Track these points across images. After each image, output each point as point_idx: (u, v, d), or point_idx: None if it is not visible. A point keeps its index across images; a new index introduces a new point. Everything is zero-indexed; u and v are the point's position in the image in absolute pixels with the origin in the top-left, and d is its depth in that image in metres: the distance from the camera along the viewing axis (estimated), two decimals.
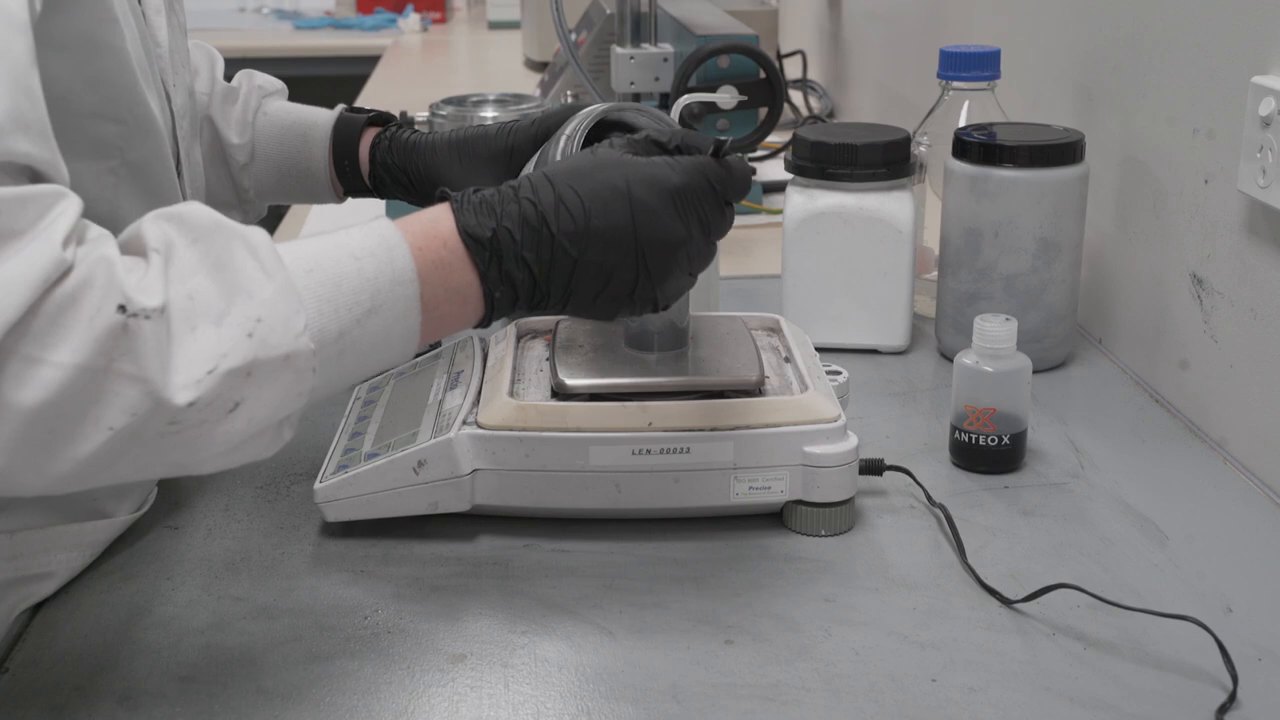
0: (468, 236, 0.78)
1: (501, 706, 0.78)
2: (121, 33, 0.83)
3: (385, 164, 1.13)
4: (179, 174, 0.95)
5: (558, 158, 0.94)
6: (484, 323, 0.81)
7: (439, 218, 0.79)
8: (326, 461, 0.97)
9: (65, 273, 0.64)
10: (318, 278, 0.72)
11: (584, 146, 0.94)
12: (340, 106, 1.18)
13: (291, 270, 0.71)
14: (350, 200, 1.20)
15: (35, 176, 0.68)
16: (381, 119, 1.17)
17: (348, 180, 1.16)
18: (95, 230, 0.69)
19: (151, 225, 0.70)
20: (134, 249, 0.69)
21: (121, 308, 0.65)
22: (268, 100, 1.19)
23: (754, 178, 1.80)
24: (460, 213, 0.79)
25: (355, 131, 1.15)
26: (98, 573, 0.90)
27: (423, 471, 0.92)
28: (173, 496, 1.00)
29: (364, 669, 0.80)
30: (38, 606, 0.87)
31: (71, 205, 0.67)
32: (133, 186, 0.87)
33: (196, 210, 0.71)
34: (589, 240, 0.79)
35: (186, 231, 0.70)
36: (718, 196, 0.83)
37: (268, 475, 1.03)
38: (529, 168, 1.01)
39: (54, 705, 0.77)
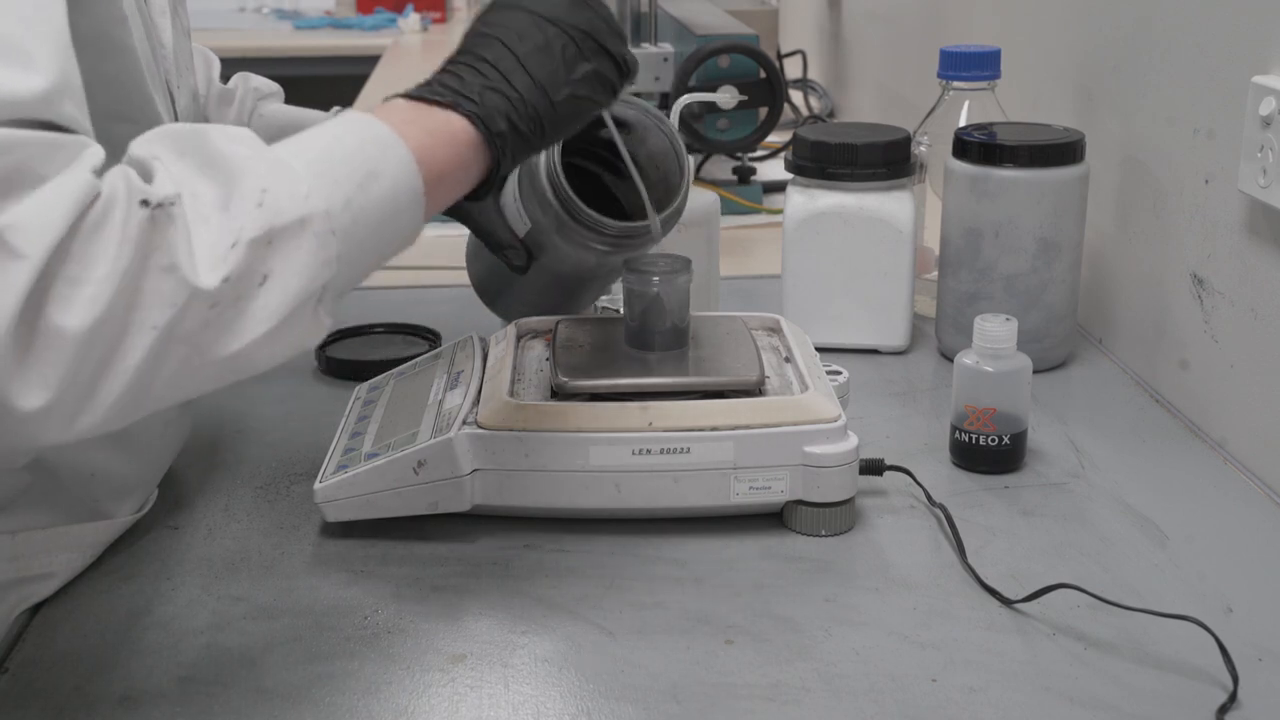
0: (420, 93, 0.81)
1: (501, 706, 0.78)
2: (130, 31, 0.84)
3: None
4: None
5: (545, 188, 0.98)
6: (493, 160, 0.82)
7: (387, 102, 0.81)
8: (326, 461, 0.97)
9: (95, 197, 0.66)
10: (306, 157, 0.73)
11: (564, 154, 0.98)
12: (336, 109, 1.18)
13: (278, 151, 0.73)
14: None
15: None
16: None
17: None
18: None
19: (139, 146, 0.71)
20: (134, 167, 0.70)
21: (144, 202, 0.66)
22: (263, 102, 1.19)
23: (754, 178, 1.80)
24: (407, 91, 0.81)
25: None
26: (98, 573, 0.90)
27: (423, 471, 0.92)
28: (173, 496, 1.00)
29: (364, 669, 0.80)
30: (38, 606, 0.87)
31: (97, 151, 0.68)
32: None
33: (173, 125, 0.73)
34: (508, 41, 0.83)
35: (169, 143, 0.71)
36: None
37: (268, 475, 1.03)
38: (512, 183, 1.02)
39: (54, 705, 0.77)
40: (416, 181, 0.77)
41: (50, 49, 0.69)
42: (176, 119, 0.92)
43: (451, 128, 0.80)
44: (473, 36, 0.86)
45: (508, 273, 1.02)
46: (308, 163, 0.73)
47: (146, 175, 0.69)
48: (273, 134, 1.17)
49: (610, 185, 1.08)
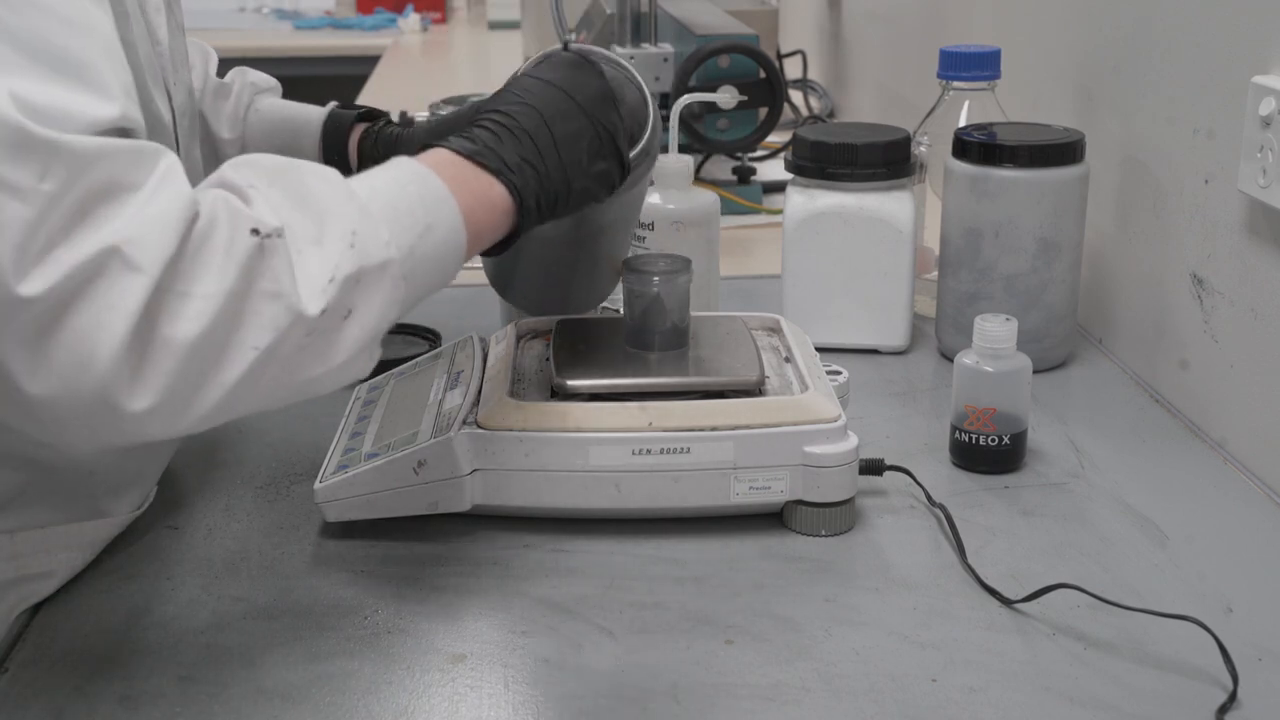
0: (467, 153, 0.85)
1: (501, 706, 0.78)
2: (131, 27, 0.84)
3: (372, 159, 1.14)
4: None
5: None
6: (516, 227, 0.87)
7: (436, 153, 0.85)
8: (326, 461, 0.97)
9: (196, 213, 0.71)
10: (379, 201, 0.78)
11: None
12: (332, 104, 1.19)
13: (359, 194, 0.78)
14: None
15: (133, 138, 0.74)
16: (371, 115, 1.17)
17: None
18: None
19: (233, 171, 0.76)
20: (232, 191, 0.75)
21: (255, 231, 0.72)
22: (260, 97, 1.20)
23: (754, 178, 1.80)
24: (452, 144, 0.86)
25: (344, 127, 1.16)
26: (98, 573, 0.90)
27: (423, 471, 0.92)
28: (173, 496, 1.00)
29: (364, 669, 0.80)
30: (38, 606, 0.87)
31: (175, 159, 0.73)
32: None
33: (264, 156, 0.78)
34: (548, 119, 0.88)
35: (263, 174, 0.76)
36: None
37: (268, 475, 1.03)
38: None
39: (54, 705, 0.77)
40: (462, 238, 0.82)
41: (111, 63, 0.74)
42: (173, 116, 0.92)
43: (492, 194, 0.85)
44: (514, 97, 0.90)
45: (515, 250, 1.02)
46: (381, 207, 0.78)
47: (245, 200, 0.74)
48: (268, 129, 1.18)
49: None
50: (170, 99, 0.92)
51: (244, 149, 1.17)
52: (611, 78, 0.99)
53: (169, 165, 0.72)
